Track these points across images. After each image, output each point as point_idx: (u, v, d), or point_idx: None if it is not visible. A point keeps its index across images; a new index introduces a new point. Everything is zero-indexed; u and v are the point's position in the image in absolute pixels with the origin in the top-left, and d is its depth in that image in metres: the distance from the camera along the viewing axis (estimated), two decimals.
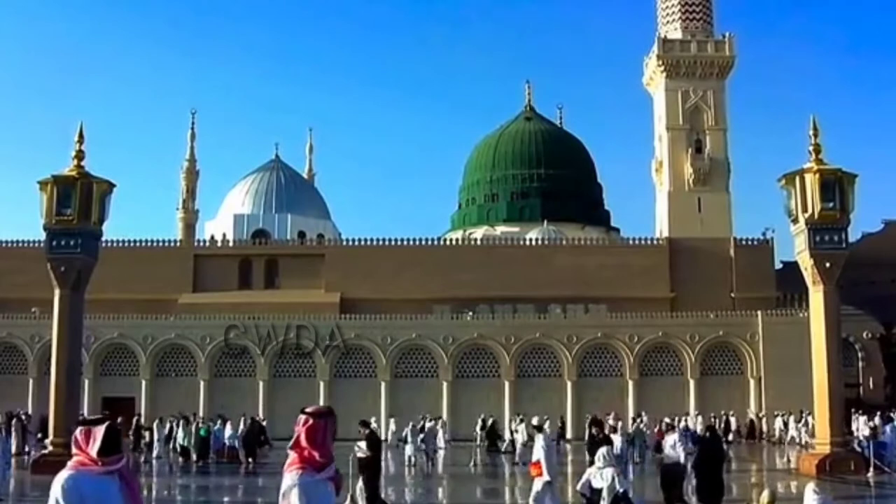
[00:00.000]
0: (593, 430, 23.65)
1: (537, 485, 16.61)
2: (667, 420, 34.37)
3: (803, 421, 45.99)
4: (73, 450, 5.61)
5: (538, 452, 16.74)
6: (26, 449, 38.21)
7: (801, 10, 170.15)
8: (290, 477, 5.78)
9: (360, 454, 18.60)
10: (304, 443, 5.79)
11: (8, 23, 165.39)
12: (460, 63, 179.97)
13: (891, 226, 69.83)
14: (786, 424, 49.08)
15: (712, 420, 42.38)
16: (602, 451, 15.92)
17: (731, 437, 49.33)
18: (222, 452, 37.22)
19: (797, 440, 46.12)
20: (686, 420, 45.98)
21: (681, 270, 65.56)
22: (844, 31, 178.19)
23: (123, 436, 49.59)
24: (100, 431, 5.55)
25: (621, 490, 15.18)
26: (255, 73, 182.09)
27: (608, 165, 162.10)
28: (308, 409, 5.98)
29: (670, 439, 21.23)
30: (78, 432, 5.62)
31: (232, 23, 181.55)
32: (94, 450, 5.52)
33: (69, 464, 5.58)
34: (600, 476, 15.40)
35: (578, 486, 16.41)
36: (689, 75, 71.14)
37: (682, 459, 20.17)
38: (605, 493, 15.20)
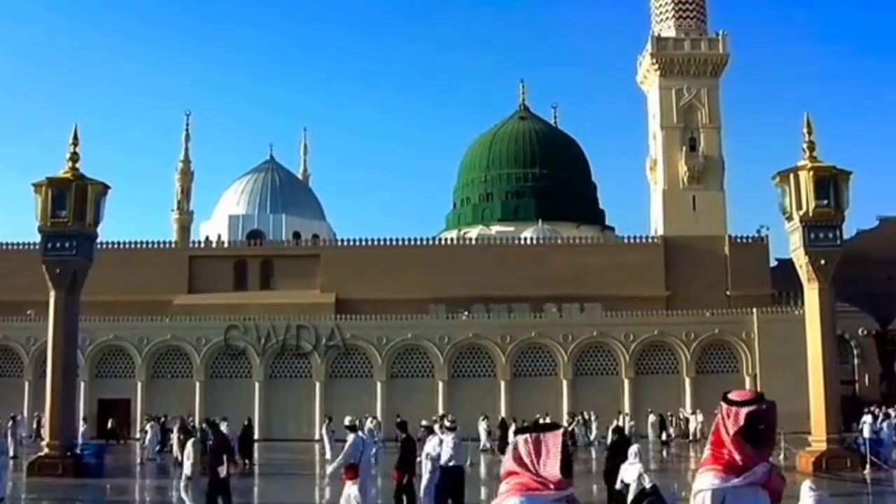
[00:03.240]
0: (614, 437, 23.92)
1: (352, 489, 16.29)
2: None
3: None
4: (511, 465, 4.22)
5: (350, 456, 16.23)
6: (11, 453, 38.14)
7: (794, 8, 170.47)
8: (702, 479, 4.56)
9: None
10: (724, 438, 4.50)
11: (2, 21, 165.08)
12: (454, 62, 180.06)
13: (885, 223, 69.87)
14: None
15: (622, 421, 41.50)
16: (633, 448, 16.77)
17: (663, 436, 49.67)
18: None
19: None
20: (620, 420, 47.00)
21: (676, 269, 65.65)
22: (837, 29, 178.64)
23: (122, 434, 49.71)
24: (554, 441, 4.21)
25: (649, 485, 15.57)
26: (249, 74, 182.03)
27: (603, 164, 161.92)
28: (731, 396, 4.57)
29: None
30: (521, 442, 4.24)
31: (226, 23, 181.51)
32: (549, 468, 4.15)
33: (506, 487, 4.20)
34: (631, 470, 16.25)
35: (618, 485, 17.01)
36: (683, 73, 71.14)
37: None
38: (632, 488, 15.88)
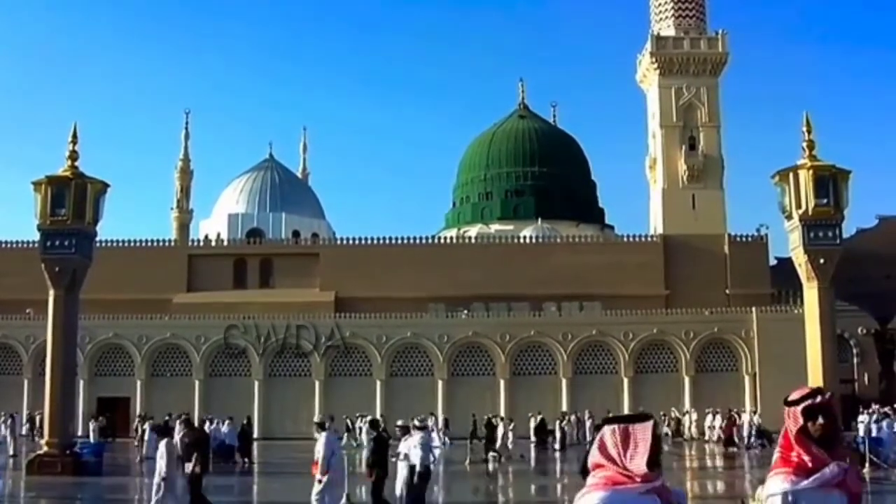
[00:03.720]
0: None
1: (316, 485, 16.38)
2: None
3: (724, 419, 46.69)
4: (597, 457, 4.05)
5: (319, 450, 16.45)
6: (11, 451, 38.20)
7: (793, 7, 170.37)
8: (772, 483, 4.32)
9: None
10: (791, 441, 4.31)
11: (2, 21, 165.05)
12: (454, 61, 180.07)
13: (885, 221, 69.87)
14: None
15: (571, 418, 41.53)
16: None
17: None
18: (218, 452, 37.22)
19: (711, 438, 46.62)
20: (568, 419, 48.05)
21: (675, 267, 65.65)
22: (837, 27, 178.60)
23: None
24: (643, 433, 4.00)
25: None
26: (248, 73, 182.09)
27: (602, 163, 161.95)
28: (789, 397, 4.39)
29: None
30: (608, 433, 4.06)
31: (226, 22, 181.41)
32: (636, 461, 3.96)
33: (592, 481, 4.03)
34: None
35: None
36: (683, 72, 71.11)
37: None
38: None
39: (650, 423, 4.05)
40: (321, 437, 16.57)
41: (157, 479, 16.84)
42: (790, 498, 4.21)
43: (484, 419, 42.03)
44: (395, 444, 19.54)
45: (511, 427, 40.65)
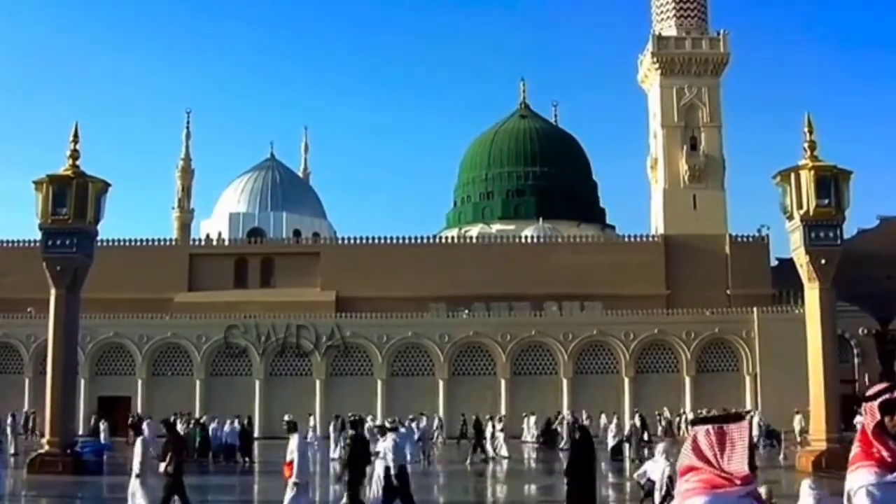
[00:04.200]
0: (577, 436, 23.93)
1: (289, 487, 16.34)
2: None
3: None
4: (691, 459, 3.86)
5: (291, 452, 16.43)
6: (12, 450, 38.22)
7: (795, 7, 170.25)
8: (857, 476, 4.17)
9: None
10: (869, 437, 4.16)
11: (2, 21, 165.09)
12: (455, 61, 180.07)
13: (886, 222, 69.83)
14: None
15: (585, 420, 39.05)
16: (660, 447, 17.09)
17: (645, 436, 49.40)
18: (218, 452, 37.30)
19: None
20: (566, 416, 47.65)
21: (676, 268, 65.64)
22: (838, 28, 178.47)
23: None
24: (740, 433, 3.87)
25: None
26: (250, 72, 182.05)
27: (603, 163, 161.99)
28: (867, 393, 4.25)
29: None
30: (701, 434, 3.91)
31: (227, 21, 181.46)
32: (735, 463, 3.82)
33: (687, 486, 3.85)
34: (656, 468, 16.46)
35: (635, 475, 17.46)
36: (684, 72, 71.12)
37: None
38: (658, 485, 16.16)
39: (746, 423, 3.94)
40: (293, 439, 16.58)
41: (132, 478, 17.06)
42: (876, 491, 4.07)
43: (472, 419, 41.66)
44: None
45: (501, 427, 40.48)
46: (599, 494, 19.67)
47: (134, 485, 17.05)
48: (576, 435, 18.66)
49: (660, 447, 16.98)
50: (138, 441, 17.50)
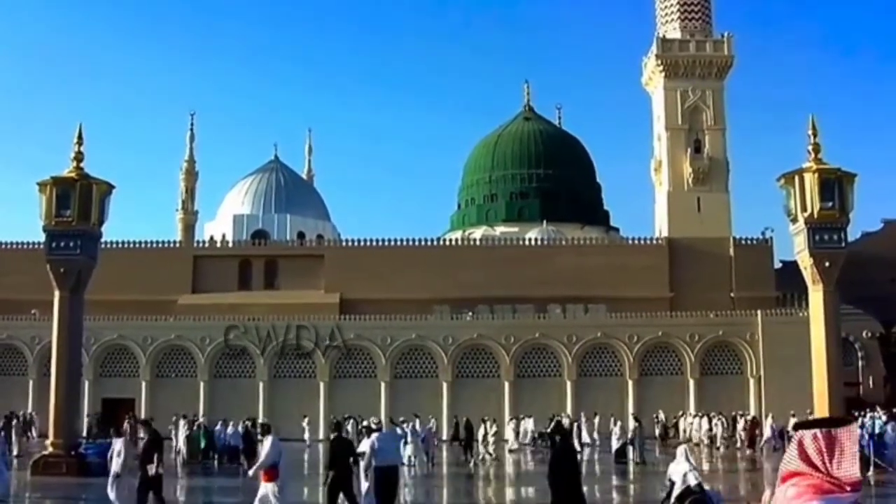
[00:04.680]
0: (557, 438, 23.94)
1: (268, 489, 16.22)
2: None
3: (709, 423, 47.16)
4: (796, 464, 3.73)
5: (267, 456, 16.32)
6: (16, 451, 38.26)
7: (799, 10, 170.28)
8: None
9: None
10: None
11: (6, 22, 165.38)
12: (459, 63, 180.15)
13: (890, 225, 69.85)
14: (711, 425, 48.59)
15: (564, 420, 38.92)
16: (681, 448, 17.29)
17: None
18: (222, 454, 37.31)
19: (696, 440, 46.54)
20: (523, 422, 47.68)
21: (680, 270, 65.58)
22: (843, 31, 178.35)
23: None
24: (849, 438, 3.74)
25: (694, 483, 16.20)
26: (253, 74, 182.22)
27: (607, 165, 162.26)
28: None
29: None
30: (808, 439, 3.81)
31: (230, 24, 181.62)
32: (845, 468, 3.72)
33: (794, 491, 3.75)
34: (677, 470, 16.69)
35: (665, 482, 17.70)
36: (688, 75, 71.10)
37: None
38: (677, 486, 16.42)
39: (855, 427, 3.82)
40: (267, 441, 16.50)
41: (111, 479, 17.06)
42: None
43: (464, 421, 41.52)
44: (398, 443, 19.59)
45: (493, 430, 40.49)
46: (596, 497, 19.64)
47: (112, 484, 17.05)
48: (556, 438, 18.38)
49: (680, 449, 17.21)
50: (119, 442, 17.48)
